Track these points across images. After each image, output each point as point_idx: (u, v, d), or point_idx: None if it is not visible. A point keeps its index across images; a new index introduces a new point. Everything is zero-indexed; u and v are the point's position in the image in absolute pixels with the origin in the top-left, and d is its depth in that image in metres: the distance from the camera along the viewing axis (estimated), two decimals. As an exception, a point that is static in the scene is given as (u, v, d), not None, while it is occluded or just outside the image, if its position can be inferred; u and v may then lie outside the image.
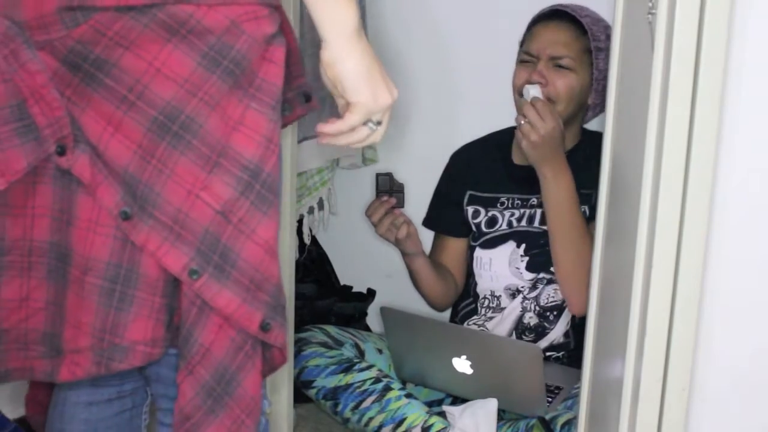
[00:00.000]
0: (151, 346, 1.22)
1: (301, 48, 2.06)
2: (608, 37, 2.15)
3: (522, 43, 2.22)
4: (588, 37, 2.14)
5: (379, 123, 1.25)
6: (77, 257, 1.20)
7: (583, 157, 2.14)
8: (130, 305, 1.20)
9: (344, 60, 1.20)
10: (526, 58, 2.17)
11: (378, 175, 2.22)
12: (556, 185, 2.09)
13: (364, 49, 1.21)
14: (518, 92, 2.17)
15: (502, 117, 2.31)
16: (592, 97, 2.17)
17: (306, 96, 1.32)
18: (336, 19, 1.18)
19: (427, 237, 2.36)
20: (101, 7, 1.13)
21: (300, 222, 2.37)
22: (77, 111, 1.16)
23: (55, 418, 1.37)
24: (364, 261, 2.64)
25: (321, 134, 1.26)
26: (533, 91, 2.09)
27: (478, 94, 2.50)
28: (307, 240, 2.41)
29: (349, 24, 1.19)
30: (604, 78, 2.14)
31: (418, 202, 2.38)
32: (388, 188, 2.21)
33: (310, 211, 2.41)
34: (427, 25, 2.56)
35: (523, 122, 2.07)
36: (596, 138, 2.13)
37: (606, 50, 2.13)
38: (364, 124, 1.24)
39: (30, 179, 1.19)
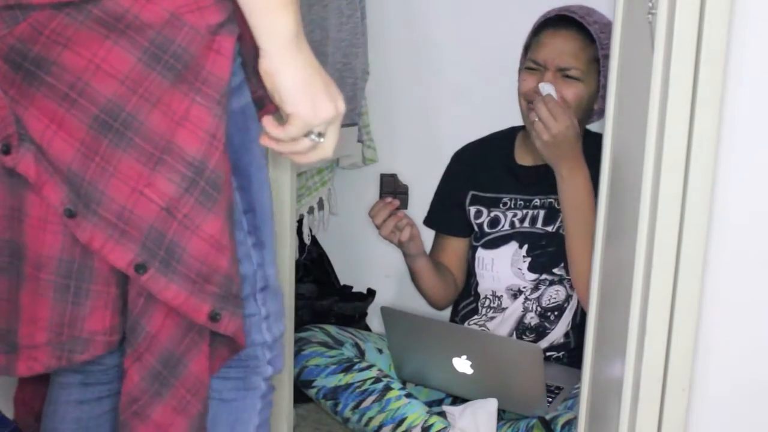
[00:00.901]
0: (110, 334, 1.24)
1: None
2: None
3: (527, 48, 2.21)
4: (596, 45, 2.12)
5: (321, 135, 1.21)
6: (30, 254, 1.21)
7: (587, 159, 2.13)
8: (86, 299, 1.21)
9: (280, 70, 1.17)
10: (533, 66, 2.15)
11: (383, 176, 2.22)
12: (573, 184, 2.08)
13: (305, 59, 1.18)
14: (524, 98, 2.16)
15: (507, 117, 2.31)
16: (598, 104, 2.16)
17: None
18: (273, 27, 1.16)
19: (427, 235, 2.36)
20: (37, 5, 1.13)
21: (300, 222, 2.37)
22: (20, 110, 1.16)
23: (48, 417, 1.39)
24: (364, 261, 2.64)
25: (264, 135, 1.24)
26: (548, 88, 2.07)
27: (482, 94, 2.49)
28: (307, 240, 2.41)
29: (286, 33, 1.16)
30: None
31: (421, 203, 2.39)
32: (392, 189, 2.21)
33: (310, 211, 2.41)
34: (430, 25, 2.56)
35: (536, 121, 2.06)
36: (597, 139, 2.13)
37: None
38: (306, 135, 1.21)
39: None
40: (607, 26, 2.15)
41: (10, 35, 1.14)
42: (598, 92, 2.14)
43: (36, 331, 1.23)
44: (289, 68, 1.17)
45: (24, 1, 1.13)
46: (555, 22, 2.17)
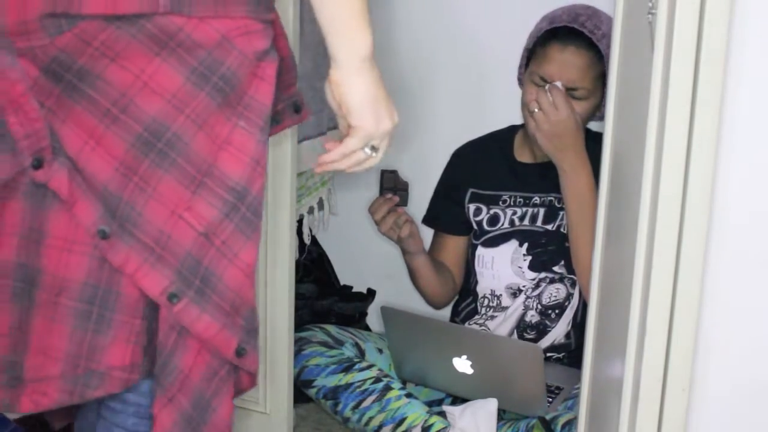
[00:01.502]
0: (129, 371, 1.17)
1: (301, 45, 2.05)
2: None
3: (530, 53, 2.17)
4: (604, 62, 2.09)
5: (375, 149, 1.25)
6: (48, 278, 1.15)
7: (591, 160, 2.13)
8: (108, 328, 1.15)
9: (352, 84, 1.19)
10: (539, 82, 2.11)
11: (383, 172, 2.21)
12: (576, 179, 2.07)
13: (374, 76, 1.21)
14: (528, 110, 2.15)
15: (507, 115, 2.30)
16: (600, 111, 2.15)
17: (296, 106, 1.30)
18: (352, 43, 1.18)
19: (426, 234, 2.36)
20: (87, 15, 1.08)
21: (300, 222, 2.37)
22: (57, 123, 1.12)
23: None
24: (364, 261, 2.64)
25: (321, 163, 1.25)
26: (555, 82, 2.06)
27: (483, 92, 2.49)
28: (307, 240, 2.41)
29: (363, 49, 1.18)
30: None
31: (421, 201, 2.38)
32: (393, 186, 2.20)
33: (310, 211, 2.41)
34: (431, 22, 2.55)
35: (536, 110, 2.04)
36: (598, 138, 2.12)
37: None
38: (362, 149, 1.24)
39: (0, 195, 1.13)
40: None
41: (51, 45, 1.09)
42: (602, 102, 2.13)
43: (47, 362, 1.16)
44: (360, 83, 1.19)
45: (73, 10, 1.08)
46: (562, 34, 2.11)
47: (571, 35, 2.10)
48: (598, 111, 2.15)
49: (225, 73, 1.14)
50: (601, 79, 2.11)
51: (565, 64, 2.09)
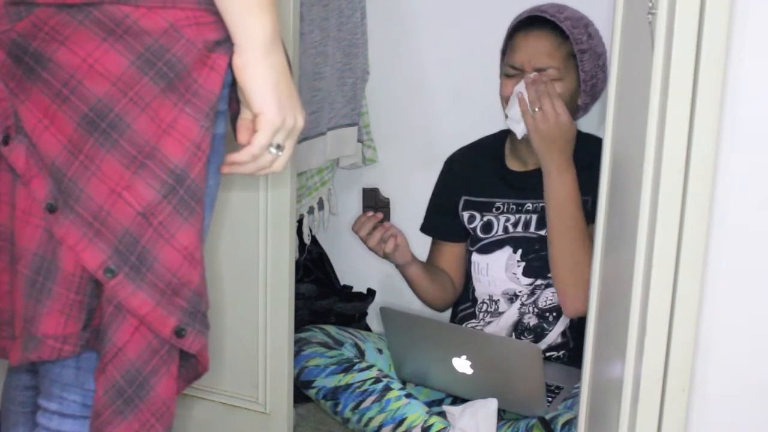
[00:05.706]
0: (61, 342, 1.22)
1: (300, 46, 2.05)
2: (590, 36, 2.14)
3: (504, 53, 2.21)
4: (570, 41, 2.12)
5: (279, 147, 1.23)
6: (16, 246, 1.22)
7: (578, 161, 2.13)
8: (47, 298, 1.21)
9: (253, 69, 1.19)
10: (510, 72, 2.15)
11: (364, 190, 2.22)
12: (560, 182, 2.08)
13: (276, 62, 1.20)
14: (506, 103, 2.16)
15: (500, 121, 2.30)
16: (581, 99, 2.16)
17: None
18: (249, 27, 1.17)
19: (424, 240, 2.37)
20: (42, 3, 1.15)
21: (300, 222, 2.37)
22: (17, 102, 1.18)
23: (3, 396, 1.41)
24: (364, 261, 2.64)
25: (230, 163, 1.24)
26: (521, 87, 2.08)
27: (475, 97, 2.49)
28: (307, 240, 2.41)
29: (261, 34, 1.17)
30: (592, 78, 2.13)
31: (404, 212, 2.39)
32: (374, 203, 2.21)
33: (310, 211, 2.41)
34: (419, 28, 2.56)
35: (536, 110, 2.05)
36: (590, 141, 2.12)
37: (589, 51, 2.12)
38: (269, 149, 1.22)
39: None
40: (579, 21, 2.15)
41: (12, 30, 1.17)
42: (579, 87, 2.14)
43: (17, 321, 1.24)
44: (259, 67, 1.19)
45: None
46: (527, 23, 2.16)
47: (534, 22, 2.15)
48: (578, 98, 2.15)
49: (170, 60, 1.16)
50: (573, 59, 2.12)
51: (531, 47, 2.13)
